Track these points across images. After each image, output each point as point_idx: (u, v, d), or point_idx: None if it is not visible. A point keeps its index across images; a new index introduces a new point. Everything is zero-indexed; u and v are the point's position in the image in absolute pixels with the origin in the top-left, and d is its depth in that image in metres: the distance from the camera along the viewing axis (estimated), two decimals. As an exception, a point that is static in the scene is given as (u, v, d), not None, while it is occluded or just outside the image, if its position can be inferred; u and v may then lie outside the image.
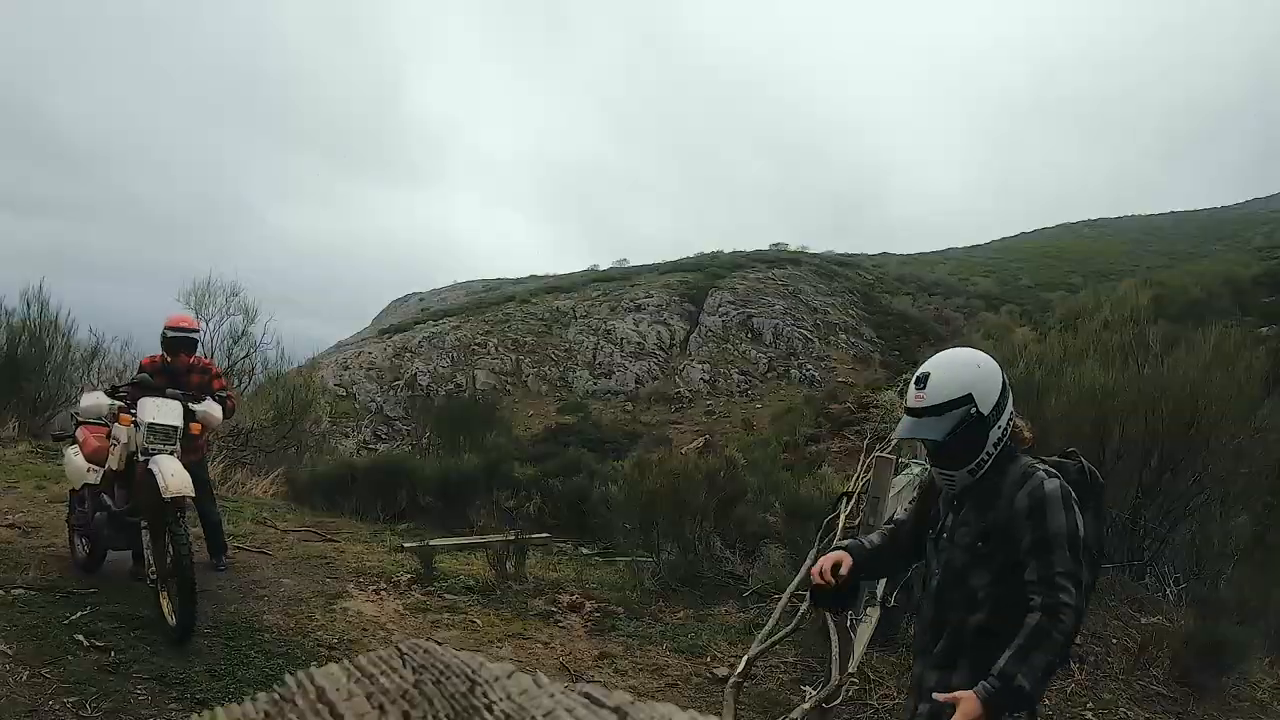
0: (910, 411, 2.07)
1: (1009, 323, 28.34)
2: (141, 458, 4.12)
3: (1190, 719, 3.99)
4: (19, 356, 9.86)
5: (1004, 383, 2.03)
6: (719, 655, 4.54)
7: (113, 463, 4.37)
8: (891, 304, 37.75)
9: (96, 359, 10.66)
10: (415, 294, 57.69)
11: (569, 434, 23.26)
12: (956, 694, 1.81)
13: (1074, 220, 68.95)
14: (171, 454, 4.14)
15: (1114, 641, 4.50)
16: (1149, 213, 69.02)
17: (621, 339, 33.69)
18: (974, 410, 1.97)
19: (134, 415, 4.22)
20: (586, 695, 0.39)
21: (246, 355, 11.66)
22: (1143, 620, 4.73)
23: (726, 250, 46.45)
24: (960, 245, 63.22)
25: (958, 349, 2.17)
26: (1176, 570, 5.31)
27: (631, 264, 49.82)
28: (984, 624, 1.94)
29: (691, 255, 46.31)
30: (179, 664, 3.57)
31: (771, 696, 3.97)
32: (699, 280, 38.10)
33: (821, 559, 2.19)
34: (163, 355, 4.95)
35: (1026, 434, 2.08)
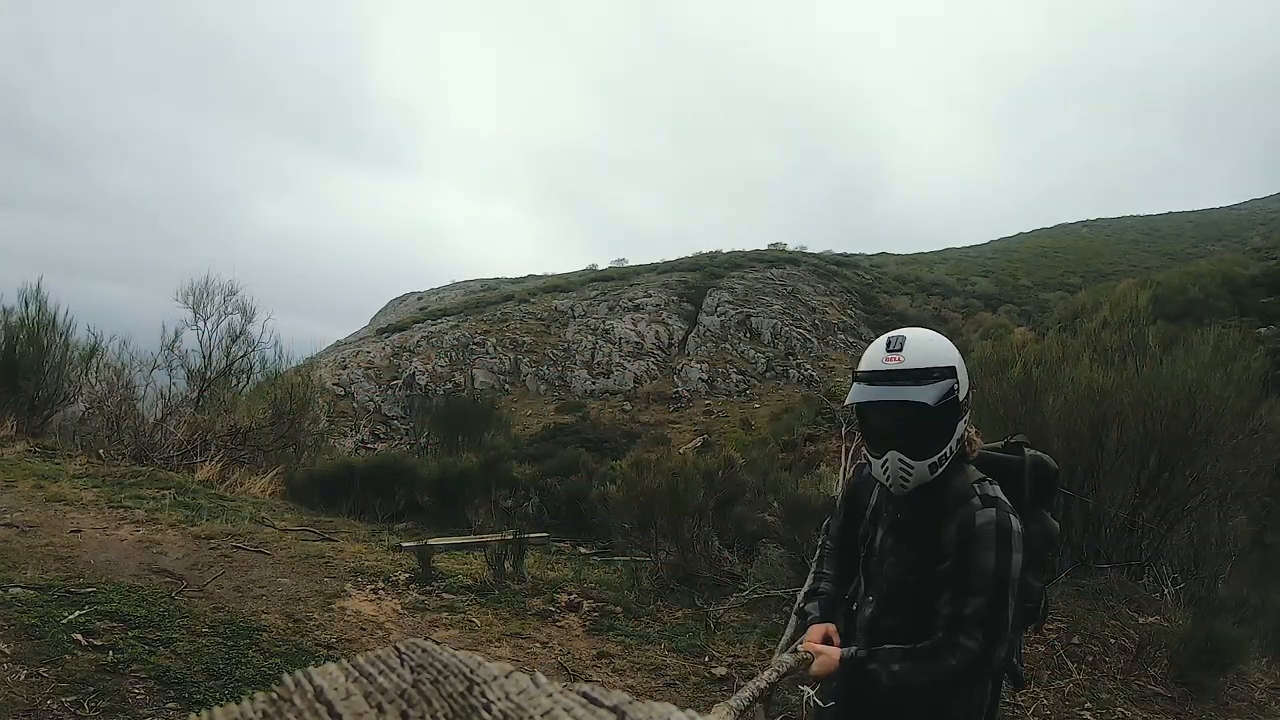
0: (876, 376, 1.71)
1: (1007, 323, 28.39)
2: None
3: (1188, 719, 3.99)
4: (17, 355, 9.84)
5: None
6: (717, 655, 4.54)
7: None
8: (890, 304, 37.83)
9: (95, 358, 10.65)
10: (414, 293, 57.73)
11: (567, 433, 23.30)
12: (821, 646, 1.77)
13: (1072, 220, 69.15)
14: None
15: (1112, 641, 4.51)
16: (1148, 213, 69.17)
17: (620, 338, 33.70)
18: (955, 386, 1.69)
19: None
20: (585, 695, 0.39)
21: (245, 354, 11.67)
22: (1140, 620, 4.73)
23: (725, 249, 46.58)
24: (959, 245, 63.47)
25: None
26: (1174, 570, 5.32)
27: (630, 263, 49.95)
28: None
29: (690, 255, 46.45)
30: (177, 664, 3.57)
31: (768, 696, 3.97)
32: (697, 280, 38.19)
33: (809, 634, 1.93)
34: None
35: (977, 440, 1.85)
